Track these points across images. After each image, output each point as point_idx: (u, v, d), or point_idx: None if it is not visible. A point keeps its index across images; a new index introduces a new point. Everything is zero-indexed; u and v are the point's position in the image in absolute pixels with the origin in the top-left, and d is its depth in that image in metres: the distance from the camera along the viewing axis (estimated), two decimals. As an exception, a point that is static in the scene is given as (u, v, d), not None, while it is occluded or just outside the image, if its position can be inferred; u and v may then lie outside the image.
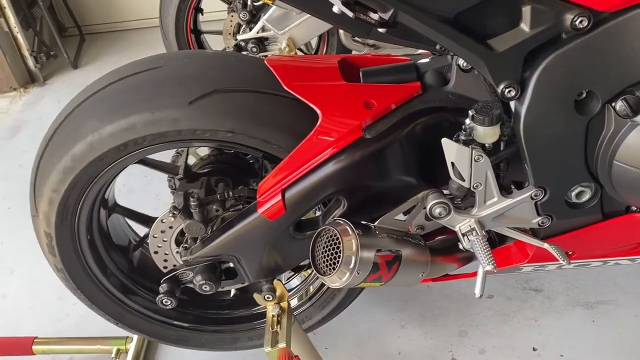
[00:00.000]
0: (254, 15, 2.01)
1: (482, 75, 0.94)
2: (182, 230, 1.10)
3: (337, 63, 1.02)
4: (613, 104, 0.86)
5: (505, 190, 0.96)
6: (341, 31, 1.98)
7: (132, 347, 1.44)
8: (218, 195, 1.04)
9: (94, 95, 0.98)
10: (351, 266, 0.89)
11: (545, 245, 0.98)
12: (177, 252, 1.14)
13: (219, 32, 2.17)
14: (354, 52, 2.13)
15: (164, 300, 1.08)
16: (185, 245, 1.09)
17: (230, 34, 2.10)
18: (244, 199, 1.05)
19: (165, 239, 1.11)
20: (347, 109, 0.94)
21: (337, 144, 0.93)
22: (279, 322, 1.06)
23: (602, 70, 0.85)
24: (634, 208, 0.98)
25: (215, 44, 2.29)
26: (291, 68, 0.99)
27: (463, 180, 0.92)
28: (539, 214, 0.97)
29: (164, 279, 1.10)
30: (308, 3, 0.86)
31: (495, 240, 1.12)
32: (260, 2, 1.97)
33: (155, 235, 1.10)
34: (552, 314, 1.44)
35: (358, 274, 0.90)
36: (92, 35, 3.34)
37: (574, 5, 0.80)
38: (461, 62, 0.97)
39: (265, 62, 1.00)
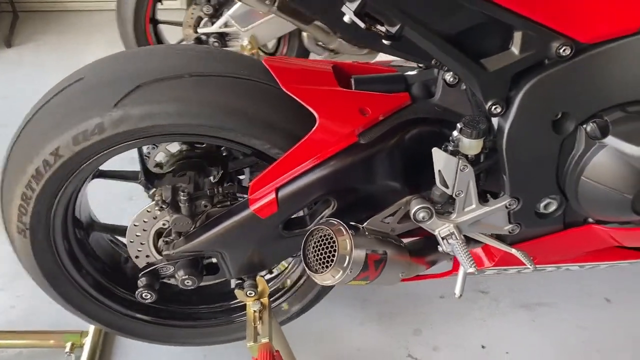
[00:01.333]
0: (217, 10, 2.00)
1: (469, 91, 1.01)
2: (162, 224, 1.09)
3: (331, 69, 1.05)
4: (585, 126, 0.96)
5: (482, 199, 1.03)
6: (304, 34, 2.01)
7: (88, 341, 1.40)
8: (207, 191, 1.04)
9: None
10: (345, 265, 0.93)
11: (513, 251, 1.07)
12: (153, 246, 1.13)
13: (178, 24, 2.15)
14: (312, 55, 2.17)
15: (143, 294, 1.07)
16: (166, 239, 1.09)
17: (190, 26, 2.08)
18: (231, 196, 1.07)
19: (145, 229, 1.09)
20: (344, 114, 0.98)
21: (333, 147, 0.97)
22: (260, 318, 1.08)
23: (578, 95, 0.94)
24: (591, 220, 1.08)
25: (172, 35, 2.25)
26: (289, 70, 1.01)
27: (447, 187, 0.98)
28: (510, 222, 1.06)
29: (142, 272, 1.09)
30: (320, 10, 0.89)
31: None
32: (227, -3, 1.96)
33: (136, 224, 1.09)
34: (498, 314, 1.55)
35: (350, 272, 0.94)
36: (26, 13, 3.16)
37: (560, 35, 0.89)
38: (447, 77, 1.03)
39: (263, 62, 1.02)
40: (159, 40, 2.17)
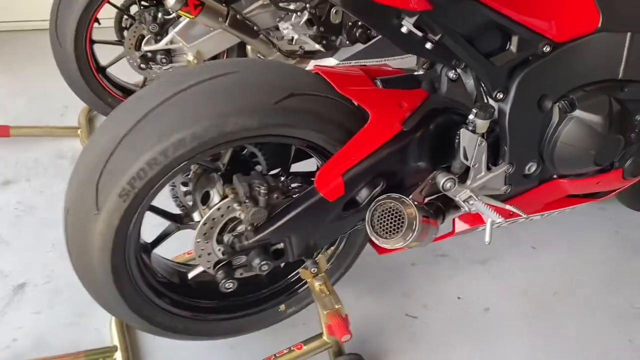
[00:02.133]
0: (162, 27, 2.07)
1: (475, 82, 1.28)
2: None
3: (364, 72, 1.27)
4: (558, 104, 1.29)
5: (487, 168, 1.32)
6: (248, 47, 2.16)
7: (118, 356, 1.44)
8: (280, 184, 1.19)
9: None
10: (414, 228, 1.15)
11: (508, 206, 1.37)
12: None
13: (118, 43, 2.17)
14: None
15: (227, 285, 1.18)
16: (235, 233, 1.21)
17: (132, 45, 2.12)
18: (293, 188, 1.23)
19: (212, 227, 1.20)
20: (389, 108, 1.20)
21: (385, 136, 1.19)
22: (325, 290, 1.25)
23: (553, 80, 1.27)
24: (556, 176, 1.43)
25: (107, 54, 2.25)
26: (340, 75, 1.21)
27: (467, 160, 1.25)
28: (505, 184, 1.36)
29: (218, 265, 1.20)
30: (381, 25, 1.10)
31: (443, 210, 1.48)
32: (172, 15, 2.05)
33: (205, 223, 1.19)
34: (460, 271, 1.87)
35: (416, 234, 1.16)
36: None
37: (543, 37, 1.21)
38: (450, 74, 1.31)
39: (316, 70, 1.20)
40: (95, 59, 2.16)
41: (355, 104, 1.21)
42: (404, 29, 1.10)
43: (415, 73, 1.36)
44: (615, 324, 1.70)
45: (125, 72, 2.32)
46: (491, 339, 1.63)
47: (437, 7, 1.08)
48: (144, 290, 1.23)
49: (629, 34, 1.27)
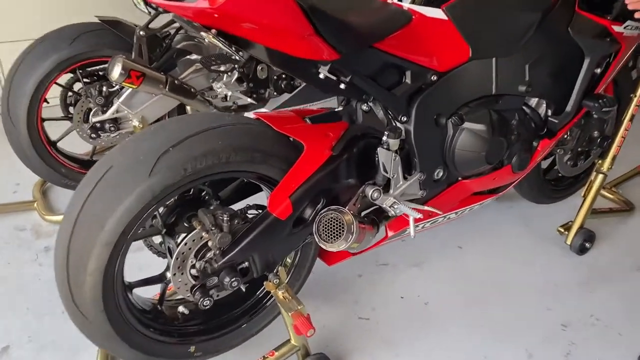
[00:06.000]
0: (107, 99, 2.29)
1: (384, 111, 1.59)
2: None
3: (295, 113, 1.56)
4: (450, 119, 1.62)
5: (403, 177, 1.62)
6: (188, 107, 2.42)
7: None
8: (239, 212, 1.44)
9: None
10: (352, 231, 1.42)
11: (426, 207, 1.67)
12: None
13: (65, 118, 2.37)
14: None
15: (204, 302, 1.40)
16: (203, 259, 1.44)
17: (80, 118, 2.32)
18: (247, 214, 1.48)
19: (185, 257, 1.43)
20: (319, 139, 1.49)
21: (319, 161, 1.47)
22: (288, 296, 1.49)
23: (443, 101, 1.60)
24: (460, 178, 1.75)
25: (55, 129, 2.44)
26: (276, 118, 1.48)
27: (387, 172, 1.55)
28: (420, 189, 1.67)
29: (195, 288, 1.42)
30: (301, 74, 1.40)
31: (377, 220, 1.76)
32: (115, 87, 2.28)
33: (177, 257, 1.41)
34: (400, 275, 2.15)
35: (355, 236, 1.43)
36: None
37: (429, 69, 1.54)
38: (364, 107, 1.62)
39: (255, 116, 1.48)
40: (47, 136, 2.35)
41: (291, 138, 1.48)
42: (321, 76, 1.40)
43: (336, 109, 1.66)
44: (535, 298, 2.01)
45: (74, 144, 2.52)
46: (433, 326, 1.90)
47: (344, 56, 1.38)
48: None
49: (494, 59, 1.64)
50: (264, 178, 1.48)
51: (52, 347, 1.80)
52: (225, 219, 1.39)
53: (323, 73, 1.39)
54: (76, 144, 2.53)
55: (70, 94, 2.45)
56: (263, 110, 2.52)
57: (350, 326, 1.91)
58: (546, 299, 2.01)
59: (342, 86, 1.44)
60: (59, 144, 2.45)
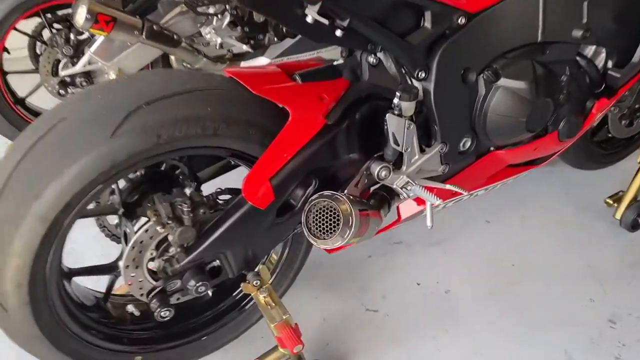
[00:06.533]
0: (77, 49, 1.97)
1: (396, 65, 1.24)
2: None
3: (280, 69, 1.21)
4: (482, 75, 1.26)
5: (420, 150, 1.28)
6: (172, 57, 2.08)
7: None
8: (205, 199, 1.12)
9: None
10: (350, 224, 1.10)
11: (448, 186, 1.34)
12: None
13: (33, 71, 2.06)
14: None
15: (162, 313, 1.11)
16: (164, 257, 1.14)
17: (48, 71, 2.01)
18: (220, 200, 1.16)
19: (141, 251, 1.13)
20: (310, 103, 1.15)
21: (309, 132, 1.13)
22: (271, 301, 1.19)
23: (473, 52, 1.24)
24: (492, 148, 1.40)
25: (25, 84, 2.14)
26: (252, 75, 1.14)
27: (398, 145, 1.21)
28: (442, 163, 1.32)
29: (152, 294, 1.12)
30: (283, 17, 1.05)
31: (386, 198, 1.44)
32: (86, 35, 1.95)
33: (133, 247, 1.12)
34: (416, 256, 1.84)
35: (354, 229, 1.11)
36: None
37: (456, 9, 1.17)
38: (370, 59, 1.26)
39: (225, 72, 1.14)
40: (10, 90, 2.05)
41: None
42: (309, 19, 1.04)
43: (335, 62, 1.31)
44: (576, 286, 1.69)
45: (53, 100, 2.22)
46: (454, 321, 1.60)
47: (339, -10, 1.03)
48: None
49: (542, -5, 1.25)
50: (241, 156, 1.15)
51: None
52: (185, 209, 1.08)
53: (312, 15, 1.03)
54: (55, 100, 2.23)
55: (39, 43, 2.13)
56: (261, 60, 2.17)
57: (355, 320, 1.62)
58: (590, 287, 1.69)
59: (339, 33, 1.09)
60: (28, 101, 2.15)
